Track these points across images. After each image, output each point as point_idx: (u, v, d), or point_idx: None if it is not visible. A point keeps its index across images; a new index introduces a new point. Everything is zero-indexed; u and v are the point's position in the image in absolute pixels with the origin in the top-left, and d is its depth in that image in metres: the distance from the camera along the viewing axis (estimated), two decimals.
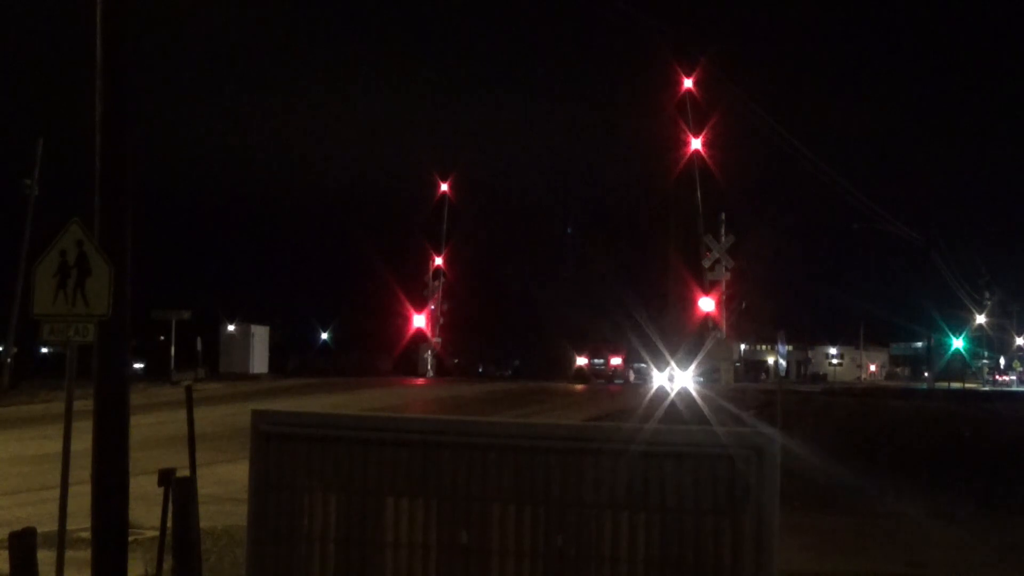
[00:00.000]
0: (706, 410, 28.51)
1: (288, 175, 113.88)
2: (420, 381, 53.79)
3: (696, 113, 56.93)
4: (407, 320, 67.31)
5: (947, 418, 28.36)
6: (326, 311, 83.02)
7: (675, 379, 53.65)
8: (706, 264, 57.53)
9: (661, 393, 39.44)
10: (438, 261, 69.33)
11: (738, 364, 63.81)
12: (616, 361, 60.25)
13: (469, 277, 69.37)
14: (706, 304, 56.92)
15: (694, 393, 40.67)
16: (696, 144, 56.48)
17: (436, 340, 67.56)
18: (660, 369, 53.77)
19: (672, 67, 56.71)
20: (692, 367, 54.04)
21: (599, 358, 61.62)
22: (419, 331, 67.31)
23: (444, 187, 69.33)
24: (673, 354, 50.98)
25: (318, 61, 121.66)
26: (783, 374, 26.00)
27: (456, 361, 72.72)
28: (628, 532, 6.28)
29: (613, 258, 67.00)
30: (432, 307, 68.07)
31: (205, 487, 10.39)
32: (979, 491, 16.84)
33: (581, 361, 60.22)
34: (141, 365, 52.61)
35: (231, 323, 54.74)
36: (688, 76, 57.65)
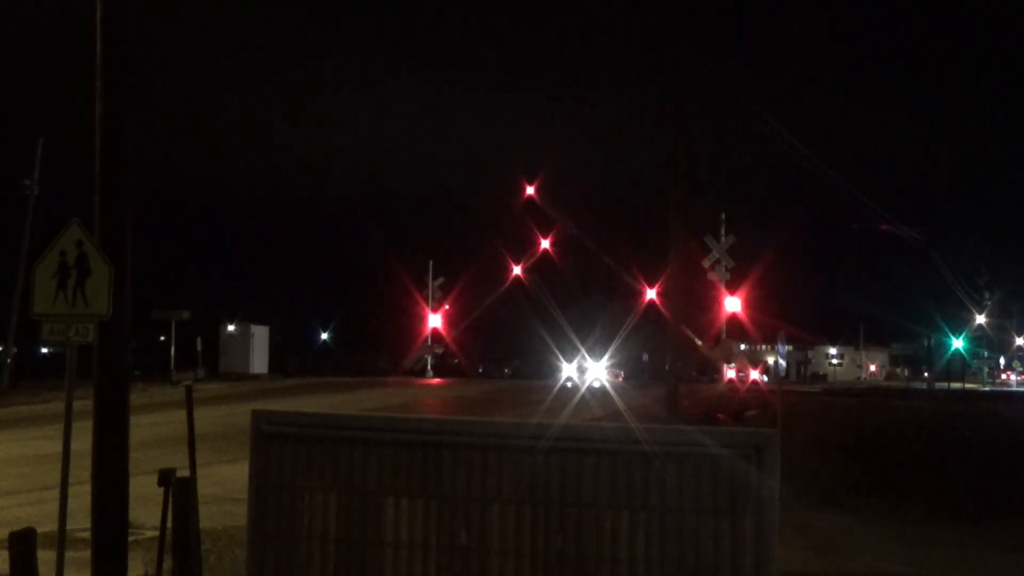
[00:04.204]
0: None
1: (288, 175, 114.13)
2: (421, 381, 53.71)
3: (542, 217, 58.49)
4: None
5: (947, 418, 28.34)
6: (326, 311, 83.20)
7: (587, 371, 51.94)
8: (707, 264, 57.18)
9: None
10: (516, 270, 68.18)
11: None
12: (754, 375, 60.01)
13: (481, 276, 69.21)
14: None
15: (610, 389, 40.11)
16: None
17: (438, 351, 67.37)
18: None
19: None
20: (605, 357, 52.86)
21: (742, 372, 62.24)
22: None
23: (545, 245, 68.30)
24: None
25: (316, 62, 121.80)
26: (783, 374, 25.93)
27: (456, 361, 72.58)
28: (628, 532, 6.27)
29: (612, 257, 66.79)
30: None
31: (205, 487, 10.39)
32: (979, 491, 16.83)
33: (731, 374, 60.43)
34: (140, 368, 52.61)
35: (231, 323, 54.67)
36: (531, 184, 58.94)
